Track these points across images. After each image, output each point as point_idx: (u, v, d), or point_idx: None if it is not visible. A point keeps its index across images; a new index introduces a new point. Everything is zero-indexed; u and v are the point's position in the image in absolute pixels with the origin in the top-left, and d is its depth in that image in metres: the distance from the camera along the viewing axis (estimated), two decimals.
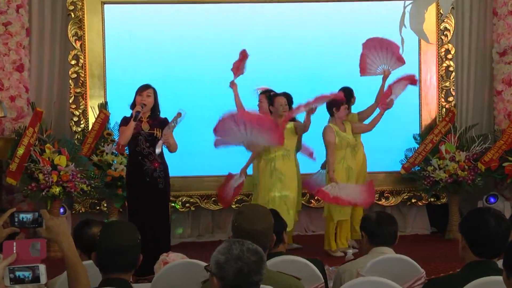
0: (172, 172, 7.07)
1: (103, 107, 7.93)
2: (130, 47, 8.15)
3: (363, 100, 7.50)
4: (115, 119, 7.89)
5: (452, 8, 8.45)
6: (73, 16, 7.99)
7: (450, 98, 8.56)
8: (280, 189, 6.64)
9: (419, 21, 5.24)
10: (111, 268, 2.90)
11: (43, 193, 7.04)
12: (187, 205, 8.16)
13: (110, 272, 2.90)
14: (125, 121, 5.99)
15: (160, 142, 5.91)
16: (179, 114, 5.87)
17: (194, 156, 7.90)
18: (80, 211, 7.95)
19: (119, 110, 7.93)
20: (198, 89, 8.08)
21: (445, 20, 8.51)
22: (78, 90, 8.02)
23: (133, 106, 6.01)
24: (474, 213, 3.00)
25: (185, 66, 8.12)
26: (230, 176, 7.07)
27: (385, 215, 4.02)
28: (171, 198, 7.97)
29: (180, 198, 8.13)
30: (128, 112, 6.09)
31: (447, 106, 8.52)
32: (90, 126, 7.87)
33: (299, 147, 7.12)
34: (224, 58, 8.06)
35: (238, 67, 7.14)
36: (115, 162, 7.61)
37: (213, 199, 8.18)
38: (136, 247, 2.95)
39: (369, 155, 7.50)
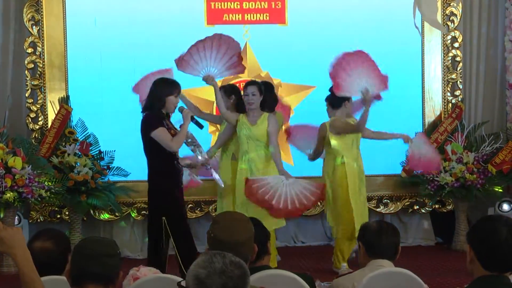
0: (143, 176, 7.04)
1: (64, 101, 7.90)
2: (95, 34, 8.11)
3: None
4: (78, 115, 7.87)
5: None
6: None
7: (457, 92, 8.61)
8: None
9: (432, 10, 5.32)
10: (85, 277, 2.89)
11: None
12: None
13: (83, 283, 2.89)
14: (160, 121, 5.73)
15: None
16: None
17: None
18: (38, 220, 7.92)
19: (82, 105, 7.95)
20: (177, 79, 8.04)
21: (451, 4, 8.55)
22: (36, 82, 7.97)
23: (160, 102, 5.77)
24: (484, 222, 3.01)
25: (157, 55, 8.08)
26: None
27: (386, 225, 4.04)
28: (142, 205, 8.01)
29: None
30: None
31: (453, 101, 8.56)
32: (50, 124, 7.84)
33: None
34: None
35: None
36: (78, 164, 7.58)
37: (190, 206, 8.17)
38: (116, 258, 2.96)
39: (366, 156, 7.51)
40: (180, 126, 5.83)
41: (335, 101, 6.91)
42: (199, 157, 6.04)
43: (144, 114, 5.82)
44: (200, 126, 6.12)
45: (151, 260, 5.71)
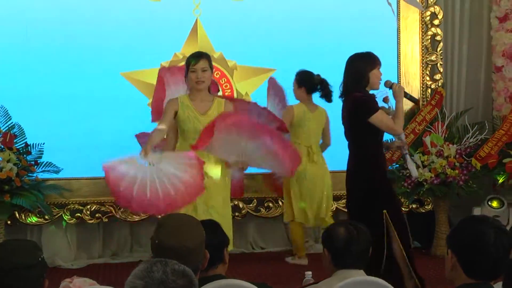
0: (78, 173, 6.99)
1: None
2: (21, 5, 7.96)
3: None
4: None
5: None
6: None
7: (437, 76, 8.68)
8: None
9: None
10: None
11: None
12: (98, 215, 8.06)
13: None
14: (377, 104, 5.82)
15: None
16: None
17: (106, 151, 7.79)
18: None
19: (5, 89, 7.85)
20: (118, 61, 8.04)
21: None
22: None
23: (364, 79, 5.78)
24: (467, 223, 3.02)
25: (93, 32, 8.01)
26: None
27: (356, 230, 3.97)
28: (77, 206, 7.93)
29: (89, 207, 8.03)
30: None
31: (433, 86, 8.63)
32: None
33: None
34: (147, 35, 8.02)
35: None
36: (0, 159, 7.48)
37: None
38: (37, 268, 2.93)
39: (333, 151, 7.56)
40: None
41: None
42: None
43: (350, 96, 5.81)
44: (416, 101, 6.21)
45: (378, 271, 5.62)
